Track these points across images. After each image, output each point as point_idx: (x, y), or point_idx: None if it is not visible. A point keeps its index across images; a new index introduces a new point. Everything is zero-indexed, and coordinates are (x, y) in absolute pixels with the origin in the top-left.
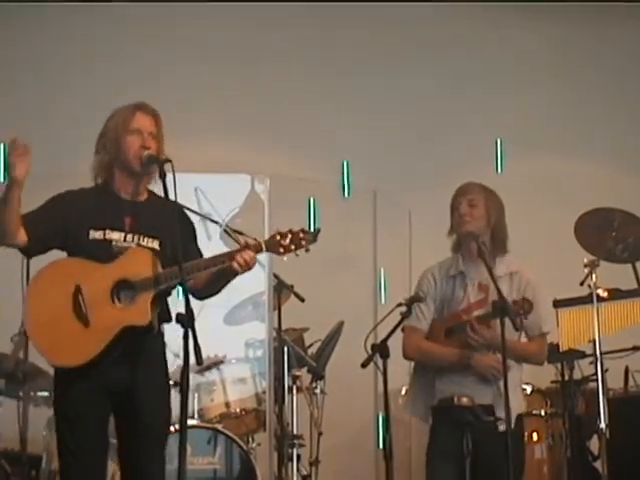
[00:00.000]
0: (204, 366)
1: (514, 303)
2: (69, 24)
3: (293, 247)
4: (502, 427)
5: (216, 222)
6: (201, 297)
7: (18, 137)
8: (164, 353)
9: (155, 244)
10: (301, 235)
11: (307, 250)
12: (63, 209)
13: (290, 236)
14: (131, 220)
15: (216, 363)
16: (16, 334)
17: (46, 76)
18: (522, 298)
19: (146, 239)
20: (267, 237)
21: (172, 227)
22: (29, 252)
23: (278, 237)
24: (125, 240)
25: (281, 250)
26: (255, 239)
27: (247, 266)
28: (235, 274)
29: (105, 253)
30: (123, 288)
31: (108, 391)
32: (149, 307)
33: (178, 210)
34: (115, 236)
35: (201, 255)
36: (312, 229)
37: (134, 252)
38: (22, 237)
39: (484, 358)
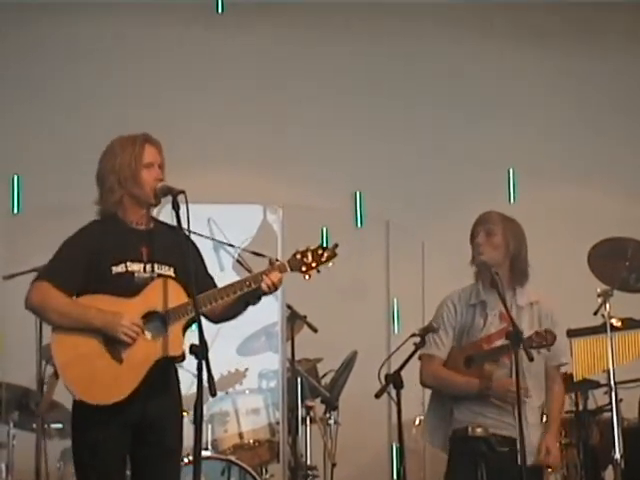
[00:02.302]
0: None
1: (537, 335)
2: (87, 54)
3: (314, 265)
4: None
5: (232, 245)
6: (216, 321)
7: None
8: (177, 379)
9: (171, 271)
10: (320, 251)
11: (318, 271)
12: (85, 254)
13: (311, 254)
14: (147, 250)
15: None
16: (50, 376)
17: (67, 105)
18: (545, 330)
19: (163, 267)
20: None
21: (184, 254)
22: None
23: (299, 256)
24: (145, 271)
25: (304, 269)
26: (277, 259)
27: (275, 286)
28: (259, 297)
29: (128, 285)
30: (151, 320)
31: (128, 423)
32: (181, 337)
33: (186, 236)
34: (136, 267)
35: (211, 277)
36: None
37: (158, 283)
38: None
39: (502, 383)
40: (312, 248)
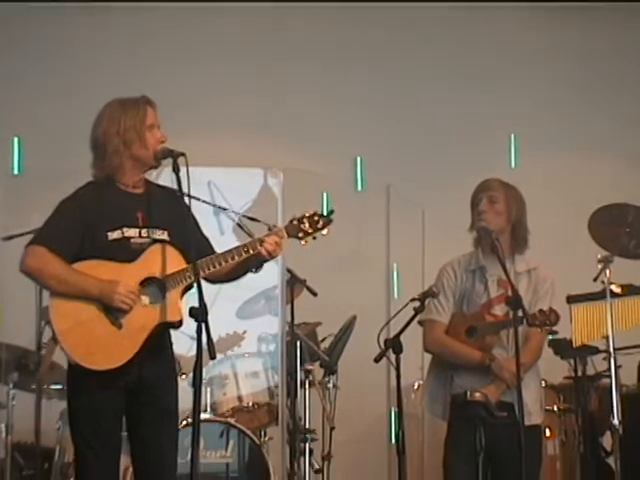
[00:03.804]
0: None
1: (540, 313)
2: (81, 17)
3: (311, 231)
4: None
5: (224, 209)
6: (215, 282)
7: None
8: (171, 343)
9: (165, 235)
10: (316, 218)
11: (314, 238)
12: (81, 219)
13: (307, 221)
14: (143, 214)
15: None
16: (46, 341)
17: (59, 70)
18: (549, 309)
19: (157, 231)
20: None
21: (180, 217)
22: None
23: (296, 222)
24: (140, 236)
25: (300, 235)
26: (275, 226)
27: (275, 252)
28: (260, 264)
29: (125, 251)
30: (149, 285)
31: (123, 386)
32: (180, 303)
33: (182, 198)
34: (132, 233)
35: (207, 239)
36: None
37: (156, 249)
38: None
39: (505, 364)
40: (308, 215)
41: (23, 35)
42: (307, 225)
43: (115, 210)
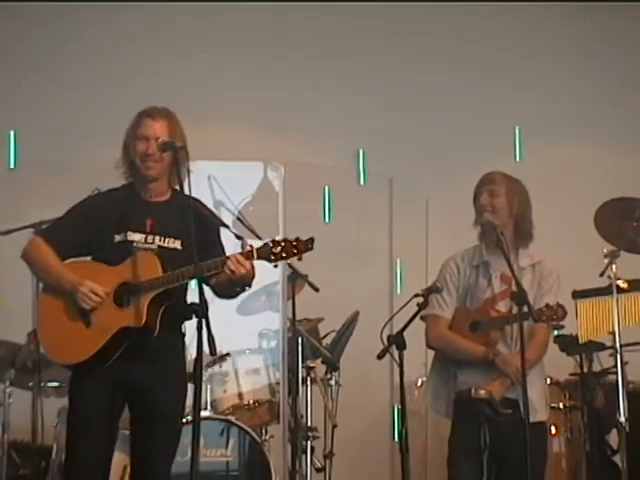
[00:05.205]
0: (210, 361)
1: (547, 308)
2: (79, 10)
3: (284, 255)
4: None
5: (226, 226)
6: (220, 296)
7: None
8: (183, 351)
9: (177, 244)
10: (294, 243)
11: (300, 259)
12: (89, 219)
13: (283, 244)
14: (152, 222)
15: (221, 358)
16: (31, 331)
17: (64, 60)
18: (556, 303)
19: (167, 240)
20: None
21: (199, 229)
22: None
23: (271, 244)
24: (146, 241)
25: (272, 257)
26: (251, 245)
27: (238, 271)
28: (241, 282)
29: (127, 255)
30: (128, 291)
31: (121, 387)
32: (145, 309)
33: (200, 210)
34: (136, 237)
35: (222, 245)
36: (327, 219)
37: (142, 256)
38: None
39: (509, 360)
40: (288, 239)
41: (19, 28)
42: (279, 249)
43: (124, 215)
